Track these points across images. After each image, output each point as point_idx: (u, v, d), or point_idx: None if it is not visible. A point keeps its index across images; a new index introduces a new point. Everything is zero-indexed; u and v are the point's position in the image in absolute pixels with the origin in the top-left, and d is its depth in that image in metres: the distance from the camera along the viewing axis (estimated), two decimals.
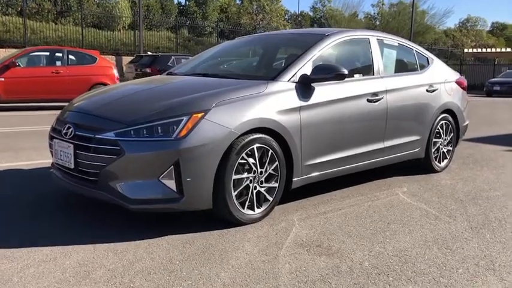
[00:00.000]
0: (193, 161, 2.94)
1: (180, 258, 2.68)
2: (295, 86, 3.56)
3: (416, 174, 4.89)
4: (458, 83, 5.34)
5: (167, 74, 4.58)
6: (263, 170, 3.30)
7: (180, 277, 2.45)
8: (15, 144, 6.11)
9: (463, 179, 4.83)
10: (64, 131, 3.26)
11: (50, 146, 3.52)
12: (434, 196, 4.11)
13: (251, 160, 3.21)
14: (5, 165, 4.90)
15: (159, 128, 2.97)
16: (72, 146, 3.16)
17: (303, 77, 3.62)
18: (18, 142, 6.31)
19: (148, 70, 15.67)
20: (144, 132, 2.96)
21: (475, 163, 5.65)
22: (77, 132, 3.17)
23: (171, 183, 2.95)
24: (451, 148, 5.25)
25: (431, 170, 5.03)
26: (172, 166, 2.91)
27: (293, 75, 3.60)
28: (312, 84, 3.65)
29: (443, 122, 5.04)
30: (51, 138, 3.46)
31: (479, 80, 31.13)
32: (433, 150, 4.94)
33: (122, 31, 26.30)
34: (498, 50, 36.89)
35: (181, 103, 3.12)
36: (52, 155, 3.49)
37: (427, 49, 29.97)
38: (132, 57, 18.63)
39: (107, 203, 3.16)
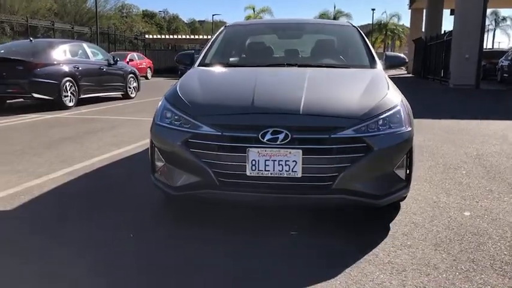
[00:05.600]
0: (413, 146, 3.09)
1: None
2: None
3: None
4: None
5: (206, 66, 4.01)
6: None
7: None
8: None
9: None
10: (269, 137, 2.71)
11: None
12: None
13: None
14: None
15: (387, 119, 2.94)
16: (299, 151, 2.71)
17: (382, 64, 4.04)
18: None
19: None
20: (379, 125, 2.89)
21: None
22: (295, 136, 2.73)
23: (402, 173, 3.00)
24: None
25: None
26: (405, 155, 2.98)
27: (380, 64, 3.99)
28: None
29: None
30: (235, 149, 2.77)
31: (164, 63, 33.46)
32: None
33: None
34: (184, 36, 41.17)
35: (385, 93, 3.11)
36: (226, 170, 2.78)
37: (107, 34, 30.04)
38: None
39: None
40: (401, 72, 36.72)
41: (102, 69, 11.35)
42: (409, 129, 2.98)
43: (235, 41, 4.69)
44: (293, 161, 2.73)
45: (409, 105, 3.26)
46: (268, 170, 2.74)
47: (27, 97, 9.59)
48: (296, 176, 2.74)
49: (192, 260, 2.57)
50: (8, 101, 10.45)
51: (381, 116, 2.91)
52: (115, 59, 12.04)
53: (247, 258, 2.59)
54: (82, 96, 10.53)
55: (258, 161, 2.74)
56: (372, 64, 3.93)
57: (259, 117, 2.85)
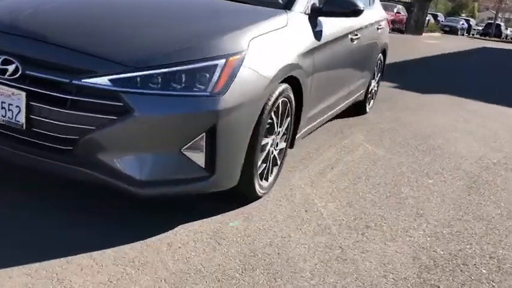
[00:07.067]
0: (232, 126, 2.07)
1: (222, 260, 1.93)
2: (308, 20, 2.83)
3: (349, 117, 4.61)
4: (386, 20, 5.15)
5: None
6: (280, 130, 2.61)
7: None
8: None
9: (395, 120, 4.81)
10: None
11: None
12: (396, 145, 3.95)
13: (274, 119, 2.47)
14: None
15: (183, 75, 1.97)
16: (23, 94, 1.93)
17: (314, 8, 2.88)
18: None
19: None
20: (161, 81, 1.94)
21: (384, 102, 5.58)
22: (28, 72, 1.94)
23: (199, 157, 2.04)
24: (377, 88, 5.16)
25: (363, 112, 4.87)
26: (204, 134, 2.00)
27: (306, 5, 2.83)
28: (319, 18, 2.94)
29: (379, 61, 4.87)
30: None
31: None
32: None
33: None
34: None
35: (209, 37, 2.13)
36: None
37: None
38: None
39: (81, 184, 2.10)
40: None
41: None
42: (218, 97, 1.98)
43: None
44: (16, 106, 1.96)
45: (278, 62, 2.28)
46: None
47: None
48: (18, 127, 1.98)
49: None
50: None
51: (175, 68, 1.96)
52: None
53: None
54: None
55: None
56: (288, 5, 2.78)
57: None
